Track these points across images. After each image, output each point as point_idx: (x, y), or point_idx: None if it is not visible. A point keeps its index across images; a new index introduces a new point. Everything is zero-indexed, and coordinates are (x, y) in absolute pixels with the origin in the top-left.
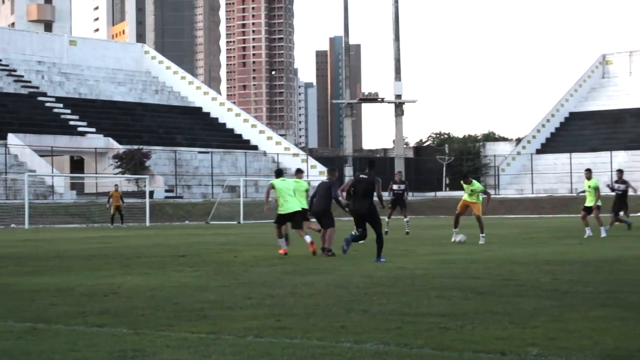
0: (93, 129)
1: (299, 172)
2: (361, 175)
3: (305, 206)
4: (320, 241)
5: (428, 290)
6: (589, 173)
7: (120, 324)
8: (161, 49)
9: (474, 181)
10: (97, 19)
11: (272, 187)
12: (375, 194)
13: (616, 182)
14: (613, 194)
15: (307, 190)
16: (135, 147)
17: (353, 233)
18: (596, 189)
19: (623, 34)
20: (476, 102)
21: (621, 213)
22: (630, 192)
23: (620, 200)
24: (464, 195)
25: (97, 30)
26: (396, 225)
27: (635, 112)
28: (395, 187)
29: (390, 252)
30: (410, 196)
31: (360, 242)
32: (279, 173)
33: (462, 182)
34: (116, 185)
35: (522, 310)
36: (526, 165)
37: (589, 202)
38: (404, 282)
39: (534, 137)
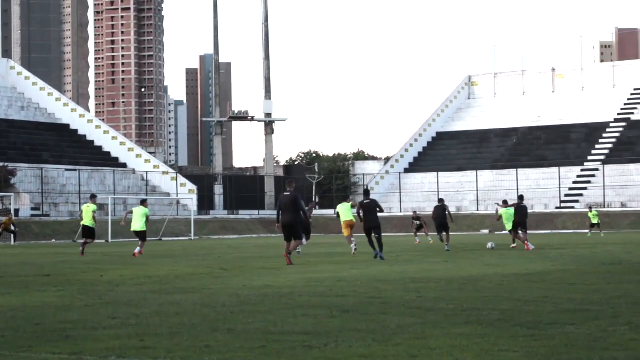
0: None
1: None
2: (365, 201)
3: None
4: (285, 255)
5: (294, 308)
6: (505, 203)
7: None
8: (28, 64)
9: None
10: None
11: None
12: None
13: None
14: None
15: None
16: (0, 164)
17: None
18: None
19: (488, 56)
20: (346, 122)
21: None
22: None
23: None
24: (346, 215)
25: None
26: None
27: (499, 132)
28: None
29: (258, 270)
30: None
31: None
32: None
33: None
34: (11, 213)
35: (386, 327)
36: (394, 184)
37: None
38: (271, 301)
39: (402, 156)
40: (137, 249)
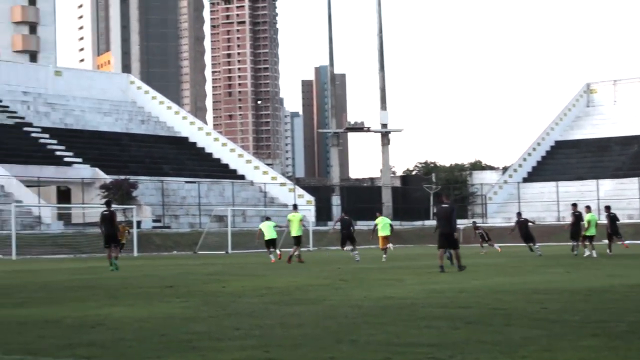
0: (79, 159)
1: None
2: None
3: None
4: (438, 259)
5: (417, 320)
6: (588, 209)
7: (107, 356)
8: (146, 79)
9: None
10: (82, 49)
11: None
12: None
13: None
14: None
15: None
16: (122, 177)
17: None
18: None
19: (607, 64)
20: (463, 131)
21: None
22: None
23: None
24: (383, 230)
25: (82, 60)
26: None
27: (620, 140)
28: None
29: (378, 282)
30: (397, 225)
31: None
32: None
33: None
34: (122, 222)
35: (511, 339)
36: (513, 194)
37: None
38: (393, 312)
39: (520, 165)
40: (276, 254)
